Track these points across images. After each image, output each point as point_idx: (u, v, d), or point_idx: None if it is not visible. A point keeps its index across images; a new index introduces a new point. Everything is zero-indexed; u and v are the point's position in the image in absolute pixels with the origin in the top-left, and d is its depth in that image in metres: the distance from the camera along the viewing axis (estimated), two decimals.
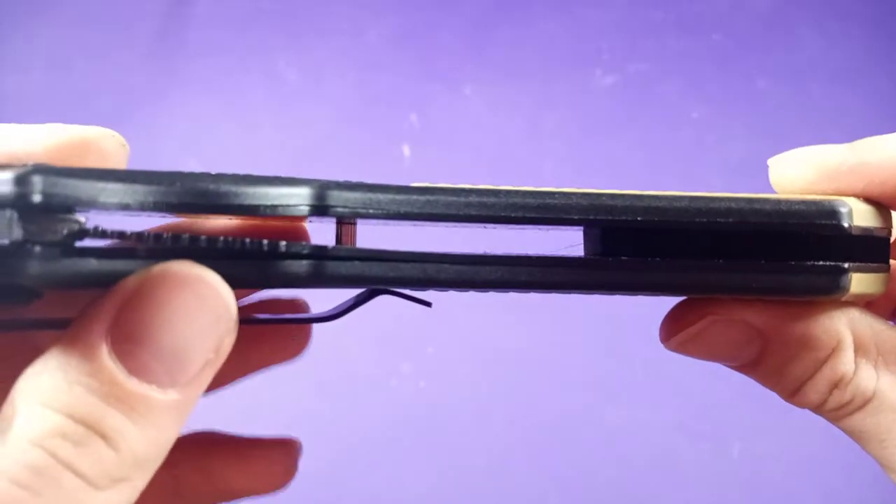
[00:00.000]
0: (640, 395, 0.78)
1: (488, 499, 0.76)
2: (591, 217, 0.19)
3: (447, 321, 0.82)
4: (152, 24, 1.04)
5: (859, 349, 0.20)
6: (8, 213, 0.15)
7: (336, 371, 0.82)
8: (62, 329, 0.17)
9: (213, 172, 0.18)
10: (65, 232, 0.16)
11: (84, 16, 1.03)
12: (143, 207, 0.17)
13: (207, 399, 0.72)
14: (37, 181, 0.16)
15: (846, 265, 0.19)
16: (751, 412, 0.76)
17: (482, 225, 0.19)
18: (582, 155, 0.93)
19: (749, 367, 0.22)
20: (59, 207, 0.16)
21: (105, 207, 0.17)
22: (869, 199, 0.20)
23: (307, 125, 0.96)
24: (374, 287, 0.20)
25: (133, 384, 0.16)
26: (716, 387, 0.77)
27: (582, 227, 0.21)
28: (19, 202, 0.15)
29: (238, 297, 0.23)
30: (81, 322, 0.17)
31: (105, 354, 0.16)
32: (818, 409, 0.21)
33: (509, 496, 0.76)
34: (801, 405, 0.21)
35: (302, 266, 0.18)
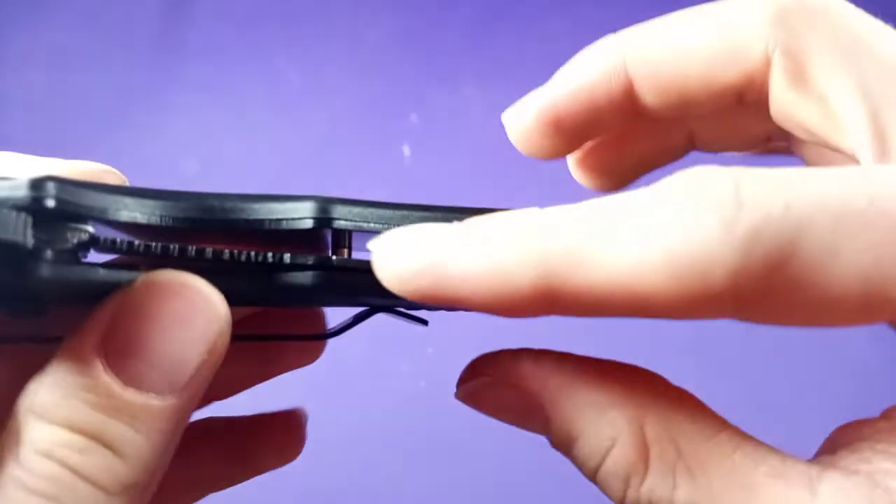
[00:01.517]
0: None
1: (489, 499, 0.76)
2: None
3: (447, 321, 0.82)
4: (152, 24, 1.04)
5: (650, 451, 0.17)
6: (23, 216, 0.16)
7: (336, 371, 0.82)
8: (57, 344, 0.17)
9: (220, 192, 0.18)
10: (75, 241, 0.16)
11: (84, 16, 1.03)
12: (150, 221, 0.17)
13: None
14: (51, 187, 0.16)
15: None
16: (751, 413, 0.76)
17: None
18: None
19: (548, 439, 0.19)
20: (71, 215, 0.16)
21: (115, 219, 0.17)
22: None
23: (307, 125, 0.96)
24: (372, 305, 0.20)
25: (131, 394, 0.16)
26: (716, 387, 0.77)
27: None
28: (34, 205, 0.16)
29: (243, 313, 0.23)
30: (76, 337, 0.17)
31: (100, 369, 0.16)
32: None
33: (510, 496, 0.76)
34: (608, 496, 0.18)
35: (307, 278, 0.18)
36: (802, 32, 0.18)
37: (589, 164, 0.24)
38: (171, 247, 0.17)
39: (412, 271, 0.16)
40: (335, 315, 0.21)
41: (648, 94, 0.20)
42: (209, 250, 0.17)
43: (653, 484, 0.17)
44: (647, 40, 0.20)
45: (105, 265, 0.17)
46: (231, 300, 0.18)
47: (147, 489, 0.17)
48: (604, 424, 0.17)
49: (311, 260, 0.18)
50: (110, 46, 1.01)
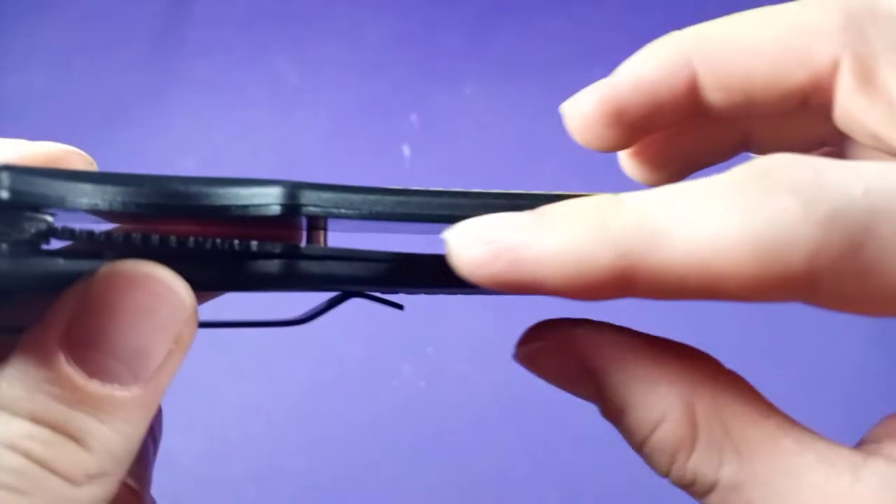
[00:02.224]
0: None
1: (489, 499, 0.76)
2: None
3: (447, 321, 0.82)
4: (152, 23, 1.04)
5: (699, 429, 0.17)
6: None
7: (337, 371, 0.82)
8: (17, 335, 0.17)
9: (185, 175, 0.17)
10: (33, 231, 0.16)
11: (84, 16, 1.03)
12: (112, 208, 0.17)
13: (209, 399, 0.72)
14: (4, 178, 0.15)
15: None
16: None
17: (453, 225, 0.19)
18: (582, 155, 0.93)
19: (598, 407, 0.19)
20: (27, 205, 0.16)
21: (74, 207, 0.16)
22: None
23: (307, 125, 0.96)
24: (345, 290, 0.20)
25: (95, 386, 0.16)
26: None
27: None
28: None
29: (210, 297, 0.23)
30: (38, 329, 0.17)
31: (63, 362, 0.16)
32: (667, 479, 0.19)
33: (510, 496, 0.76)
34: (653, 470, 0.19)
35: (274, 266, 0.18)
36: (873, 37, 0.19)
37: (642, 157, 0.24)
38: (134, 235, 0.17)
39: (488, 256, 0.16)
40: (308, 300, 0.21)
41: (713, 92, 0.21)
42: (173, 238, 0.17)
43: (699, 461, 0.17)
44: (714, 37, 0.21)
45: (66, 255, 0.17)
46: (198, 287, 0.17)
47: (115, 479, 0.17)
48: (655, 399, 0.18)
49: (278, 248, 0.18)
50: (110, 46, 1.01)
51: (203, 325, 0.18)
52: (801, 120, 0.22)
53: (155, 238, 0.17)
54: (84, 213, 0.17)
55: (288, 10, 1.04)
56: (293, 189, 0.18)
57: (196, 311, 0.17)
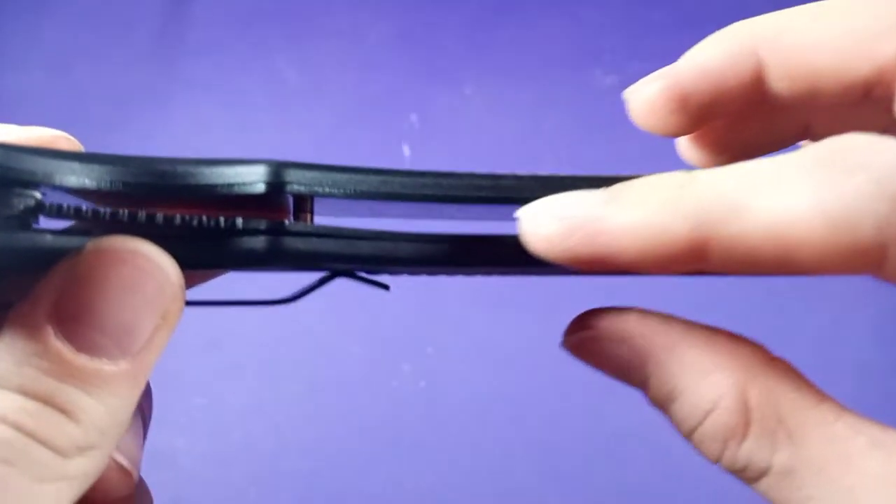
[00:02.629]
0: (640, 395, 0.78)
1: (488, 498, 0.76)
2: (542, 196, 0.19)
3: (447, 321, 0.82)
4: (152, 23, 1.04)
5: (751, 414, 0.18)
6: None
7: (337, 371, 0.82)
8: (6, 311, 0.17)
9: (171, 156, 0.18)
10: (21, 207, 0.16)
11: (84, 16, 1.03)
12: (99, 186, 0.17)
13: (209, 400, 0.72)
14: None
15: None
16: None
17: (437, 204, 0.19)
18: (582, 155, 0.93)
19: (645, 394, 0.20)
20: (16, 181, 0.16)
21: (62, 185, 0.17)
22: None
23: (307, 125, 0.96)
24: (331, 269, 0.20)
25: (83, 360, 0.16)
26: None
27: None
28: None
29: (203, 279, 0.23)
30: (27, 304, 0.17)
31: (51, 336, 0.16)
32: (719, 465, 0.19)
33: (509, 496, 0.76)
34: (702, 455, 0.19)
35: (259, 242, 0.18)
36: None
37: (702, 142, 0.25)
38: (121, 212, 0.17)
39: (563, 232, 0.17)
40: (296, 280, 0.21)
41: (778, 81, 0.21)
42: (160, 215, 0.17)
43: (752, 447, 0.18)
44: (781, 28, 0.21)
45: (54, 232, 0.17)
46: (186, 265, 0.17)
47: (104, 452, 0.17)
48: (707, 387, 0.18)
49: (263, 225, 0.18)
50: (110, 45, 1.01)
51: (190, 303, 0.18)
52: (861, 111, 0.22)
53: (142, 215, 0.17)
54: (73, 192, 0.17)
55: (288, 9, 1.04)
56: (278, 167, 0.18)
57: (183, 288, 0.18)
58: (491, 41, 1.01)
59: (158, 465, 0.76)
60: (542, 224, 0.17)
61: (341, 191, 0.18)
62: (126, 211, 0.17)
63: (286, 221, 0.18)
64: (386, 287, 0.21)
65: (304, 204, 0.19)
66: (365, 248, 0.19)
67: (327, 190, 0.18)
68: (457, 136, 0.95)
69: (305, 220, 0.19)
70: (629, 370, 0.19)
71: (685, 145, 0.25)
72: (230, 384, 0.81)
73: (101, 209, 0.17)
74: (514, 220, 0.20)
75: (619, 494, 0.76)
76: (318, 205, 0.19)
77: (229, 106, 0.98)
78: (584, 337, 0.20)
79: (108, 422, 0.17)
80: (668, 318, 0.19)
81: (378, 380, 0.81)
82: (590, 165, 0.92)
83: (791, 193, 0.16)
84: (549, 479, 0.77)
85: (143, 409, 0.22)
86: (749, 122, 0.24)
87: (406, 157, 0.94)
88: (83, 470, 0.17)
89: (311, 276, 0.21)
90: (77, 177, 0.17)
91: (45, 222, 0.17)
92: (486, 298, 0.82)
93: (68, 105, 0.98)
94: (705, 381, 0.18)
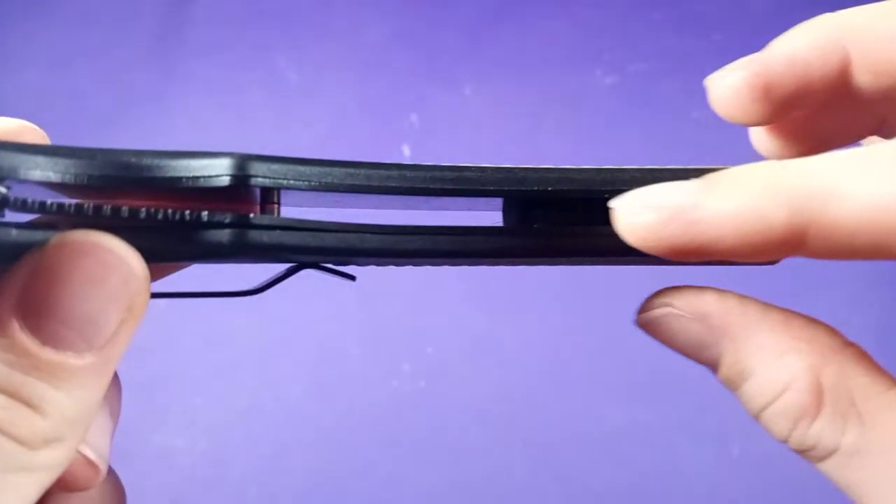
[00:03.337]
0: (640, 395, 0.78)
1: (488, 498, 0.76)
2: (505, 188, 0.20)
3: (447, 321, 0.82)
4: (152, 23, 1.04)
5: (824, 395, 0.18)
6: None
7: (336, 371, 0.82)
8: None
9: (136, 149, 0.18)
10: None
11: (84, 15, 1.03)
12: (64, 179, 0.17)
13: (209, 399, 0.72)
14: None
15: None
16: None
17: (402, 197, 0.19)
18: (582, 155, 0.93)
19: (713, 372, 0.20)
20: None
21: (27, 178, 0.17)
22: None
23: (307, 125, 0.96)
24: (298, 261, 0.20)
25: (48, 353, 0.17)
26: (716, 387, 0.77)
27: (501, 203, 0.22)
28: None
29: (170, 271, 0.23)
30: None
31: (16, 329, 0.16)
32: (787, 445, 0.19)
33: (509, 496, 0.76)
34: (769, 434, 0.20)
35: (224, 235, 0.18)
36: None
37: (780, 133, 0.25)
38: (86, 205, 0.17)
39: (660, 221, 0.17)
40: (265, 271, 0.21)
41: (863, 74, 0.21)
42: (125, 209, 0.17)
43: (822, 428, 0.18)
44: (870, 21, 0.21)
45: (19, 225, 0.17)
46: (152, 258, 0.17)
47: (71, 445, 0.17)
48: (781, 367, 0.19)
49: (228, 218, 0.18)
50: (110, 46, 1.01)
51: (154, 295, 0.18)
52: None
53: (107, 209, 0.17)
54: (38, 185, 0.17)
55: (288, 9, 1.04)
56: (242, 160, 0.18)
57: (148, 281, 0.18)
58: (491, 41, 1.01)
59: (158, 465, 0.76)
60: (638, 214, 0.18)
61: (306, 183, 0.18)
62: (91, 204, 0.17)
63: (251, 215, 0.18)
64: (352, 278, 0.22)
65: (270, 196, 0.19)
66: (330, 240, 0.19)
67: (292, 182, 0.18)
68: (457, 136, 0.95)
69: (272, 213, 0.19)
70: (702, 348, 0.20)
71: (760, 135, 0.25)
72: (230, 384, 0.81)
73: (66, 202, 0.17)
74: (478, 210, 0.20)
75: (619, 494, 0.76)
76: (287, 197, 0.19)
77: (229, 106, 0.98)
78: (661, 314, 0.20)
79: (74, 414, 0.17)
80: (745, 298, 0.20)
81: (378, 380, 0.81)
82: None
83: (886, 182, 0.16)
84: (549, 479, 0.77)
85: (112, 403, 0.22)
86: (828, 114, 0.24)
87: (406, 157, 0.94)
88: (50, 462, 0.17)
89: (279, 268, 0.21)
90: (41, 170, 0.17)
91: (10, 216, 0.17)
92: (486, 298, 0.82)
93: (68, 105, 0.98)
94: (780, 361, 0.19)
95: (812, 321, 0.20)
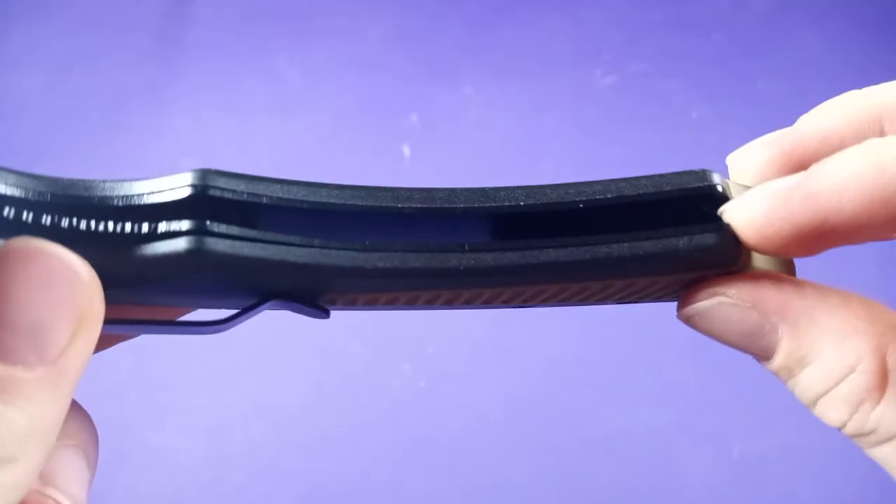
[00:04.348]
0: (640, 395, 0.78)
1: (488, 498, 0.76)
2: (474, 205, 0.19)
3: (447, 321, 0.82)
4: (152, 24, 1.04)
5: (891, 377, 0.18)
6: None
7: (336, 371, 0.82)
8: None
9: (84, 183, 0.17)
10: None
11: (84, 15, 1.03)
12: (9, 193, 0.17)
13: (209, 400, 0.72)
14: None
15: (725, 224, 0.19)
16: (751, 412, 0.76)
17: (370, 221, 0.19)
18: (582, 155, 0.93)
19: (764, 361, 0.20)
20: None
21: None
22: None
23: (307, 125, 0.96)
24: (263, 288, 0.19)
25: None
26: (716, 387, 0.77)
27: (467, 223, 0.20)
28: None
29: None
30: None
31: None
32: (842, 430, 0.19)
33: (509, 497, 0.76)
34: (824, 420, 0.20)
35: (180, 244, 0.17)
36: None
37: None
38: (25, 215, 0.17)
39: (780, 201, 0.17)
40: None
41: None
42: (66, 220, 0.17)
43: (885, 411, 0.18)
44: None
45: None
46: (101, 276, 0.17)
47: (28, 467, 0.17)
48: (845, 351, 0.18)
49: (185, 226, 0.17)
50: (110, 46, 1.01)
51: (114, 322, 0.18)
52: None
53: (46, 220, 0.17)
54: None
55: (288, 9, 1.04)
56: (203, 173, 0.18)
57: (99, 289, 0.17)
58: (491, 41, 1.01)
59: (158, 465, 0.76)
60: (754, 204, 0.18)
61: (267, 198, 0.18)
62: (30, 215, 0.17)
63: (208, 222, 0.17)
64: (326, 315, 0.20)
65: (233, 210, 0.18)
66: (294, 254, 0.18)
67: (251, 198, 0.18)
68: (457, 136, 0.95)
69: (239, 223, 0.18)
70: (756, 337, 0.20)
71: None
72: (230, 384, 0.81)
73: (4, 211, 0.17)
74: (448, 235, 0.19)
75: (619, 494, 0.76)
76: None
77: (229, 106, 0.98)
78: (712, 305, 0.20)
79: (27, 432, 0.16)
80: (801, 282, 0.20)
81: (378, 380, 0.81)
82: (590, 165, 0.92)
83: None
84: (549, 479, 0.77)
85: (89, 452, 0.21)
86: None
87: (406, 157, 0.94)
88: (6, 482, 0.16)
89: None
90: None
91: None
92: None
93: (68, 105, 0.98)
94: (844, 344, 0.18)
95: (871, 302, 0.19)
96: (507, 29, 1.02)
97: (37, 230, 0.17)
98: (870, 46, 0.98)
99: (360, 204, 0.18)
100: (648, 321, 0.75)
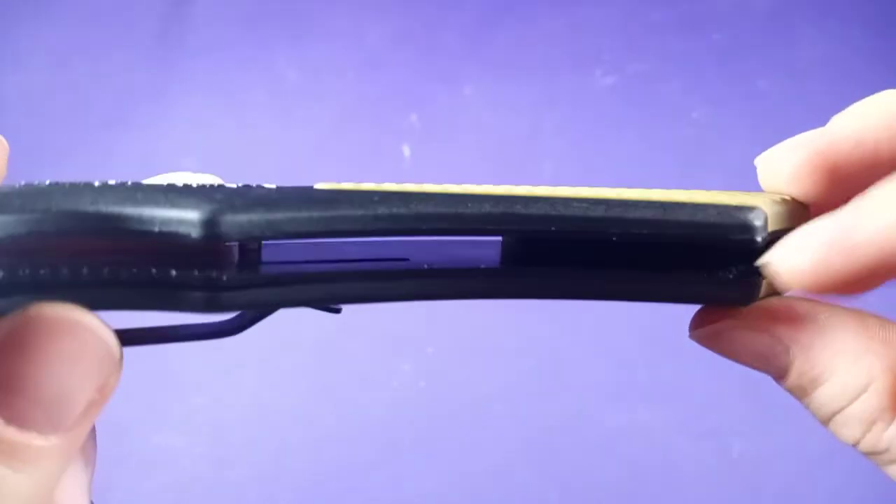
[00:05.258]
0: (640, 395, 0.78)
1: (488, 499, 0.76)
2: (504, 227, 0.18)
3: (447, 321, 0.82)
4: (152, 23, 1.04)
5: None
6: None
7: (336, 371, 0.82)
8: None
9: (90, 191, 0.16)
10: None
11: (84, 15, 1.03)
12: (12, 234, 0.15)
13: (209, 400, 0.72)
14: None
15: (759, 277, 0.19)
16: (751, 412, 0.76)
17: (393, 237, 0.18)
18: (582, 155, 0.93)
19: (779, 380, 0.20)
20: None
21: None
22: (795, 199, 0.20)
23: (307, 125, 0.96)
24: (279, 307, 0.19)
25: (11, 433, 0.15)
26: (716, 387, 0.77)
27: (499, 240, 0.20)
28: None
29: None
30: None
31: None
32: (856, 447, 0.19)
33: (509, 497, 0.76)
34: (838, 438, 0.20)
35: (196, 297, 0.17)
36: None
37: (831, 205, 0.25)
38: (43, 271, 0.15)
39: (824, 252, 0.17)
40: None
41: None
42: (85, 269, 0.16)
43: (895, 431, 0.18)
44: None
45: None
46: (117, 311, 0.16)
47: None
48: (858, 370, 0.18)
49: (197, 281, 0.16)
50: (110, 46, 1.01)
51: (129, 340, 0.17)
52: None
53: (65, 272, 0.16)
54: None
55: (288, 9, 1.04)
56: (213, 215, 0.16)
57: (121, 360, 0.17)
58: (491, 41, 1.01)
59: (158, 466, 0.76)
60: (795, 255, 0.17)
61: (284, 234, 0.17)
62: (47, 269, 0.16)
63: (224, 277, 0.17)
64: (337, 311, 0.20)
65: (249, 245, 0.18)
66: (314, 292, 0.18)
67: (268, 234, 0.16)
68: (457, 136, 0.95)
69: (252, 262, 0.18)
70: (768, 358, 0.20)
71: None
72: (230, 384, 0.81)
73: (21, 270, 0.15)
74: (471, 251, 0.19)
75: (619, 494, 0.76)
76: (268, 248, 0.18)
77: (229, 106, 0.98)
78: (724, 327, 0.20)
79: (33, 496, 0.16)
80: (814, 303, 0.19)
81: (378, 380, 0.81)
82: (589, 165, 0.92)
83: None
84: (549, 479, 0.77)
85: (88, 452, 0.21)
86: None
87: (406, 157, 0.94)
88: None
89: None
90: None
91: None
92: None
93: (68, 105, 0.98)
94: (857, 364, 0.18)
95: (886, 321, 0.19)
96: (507, 29, 1.02)
97: (38, 283, 0.16)
98: (870, 46, 0.98)
99: (382, 228, 0.17)
100: (648, 321, 0.75)
